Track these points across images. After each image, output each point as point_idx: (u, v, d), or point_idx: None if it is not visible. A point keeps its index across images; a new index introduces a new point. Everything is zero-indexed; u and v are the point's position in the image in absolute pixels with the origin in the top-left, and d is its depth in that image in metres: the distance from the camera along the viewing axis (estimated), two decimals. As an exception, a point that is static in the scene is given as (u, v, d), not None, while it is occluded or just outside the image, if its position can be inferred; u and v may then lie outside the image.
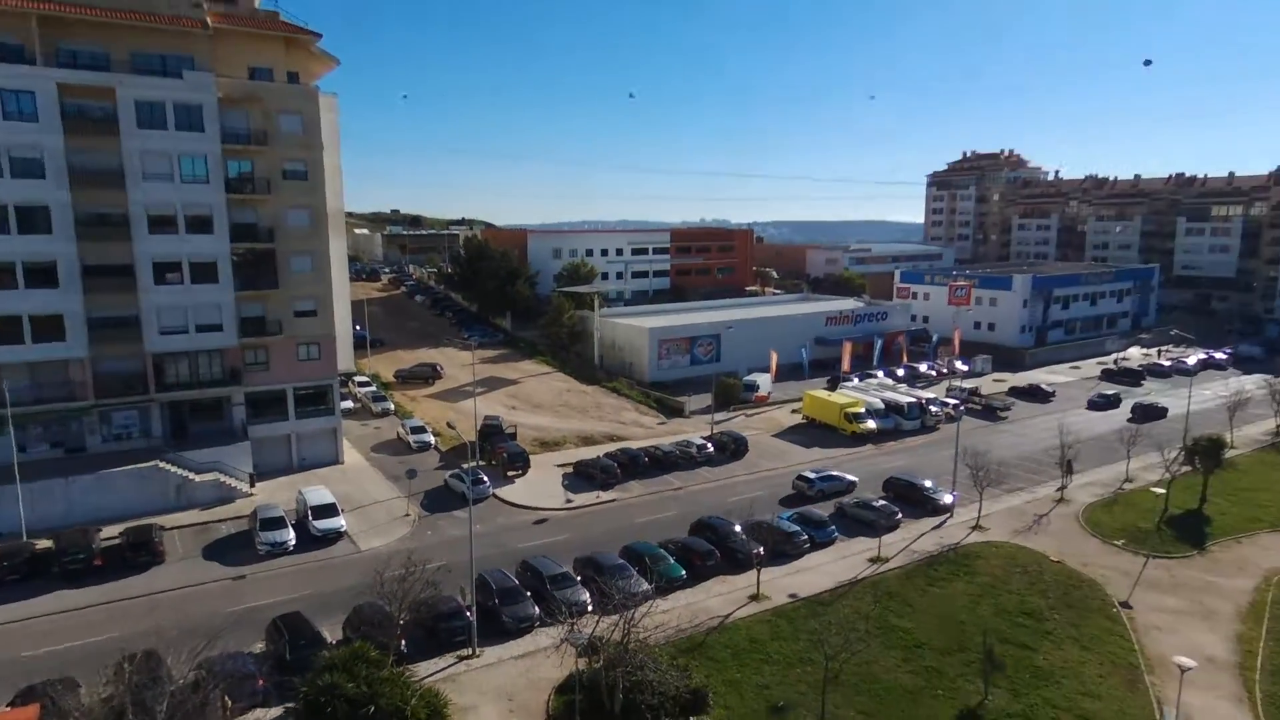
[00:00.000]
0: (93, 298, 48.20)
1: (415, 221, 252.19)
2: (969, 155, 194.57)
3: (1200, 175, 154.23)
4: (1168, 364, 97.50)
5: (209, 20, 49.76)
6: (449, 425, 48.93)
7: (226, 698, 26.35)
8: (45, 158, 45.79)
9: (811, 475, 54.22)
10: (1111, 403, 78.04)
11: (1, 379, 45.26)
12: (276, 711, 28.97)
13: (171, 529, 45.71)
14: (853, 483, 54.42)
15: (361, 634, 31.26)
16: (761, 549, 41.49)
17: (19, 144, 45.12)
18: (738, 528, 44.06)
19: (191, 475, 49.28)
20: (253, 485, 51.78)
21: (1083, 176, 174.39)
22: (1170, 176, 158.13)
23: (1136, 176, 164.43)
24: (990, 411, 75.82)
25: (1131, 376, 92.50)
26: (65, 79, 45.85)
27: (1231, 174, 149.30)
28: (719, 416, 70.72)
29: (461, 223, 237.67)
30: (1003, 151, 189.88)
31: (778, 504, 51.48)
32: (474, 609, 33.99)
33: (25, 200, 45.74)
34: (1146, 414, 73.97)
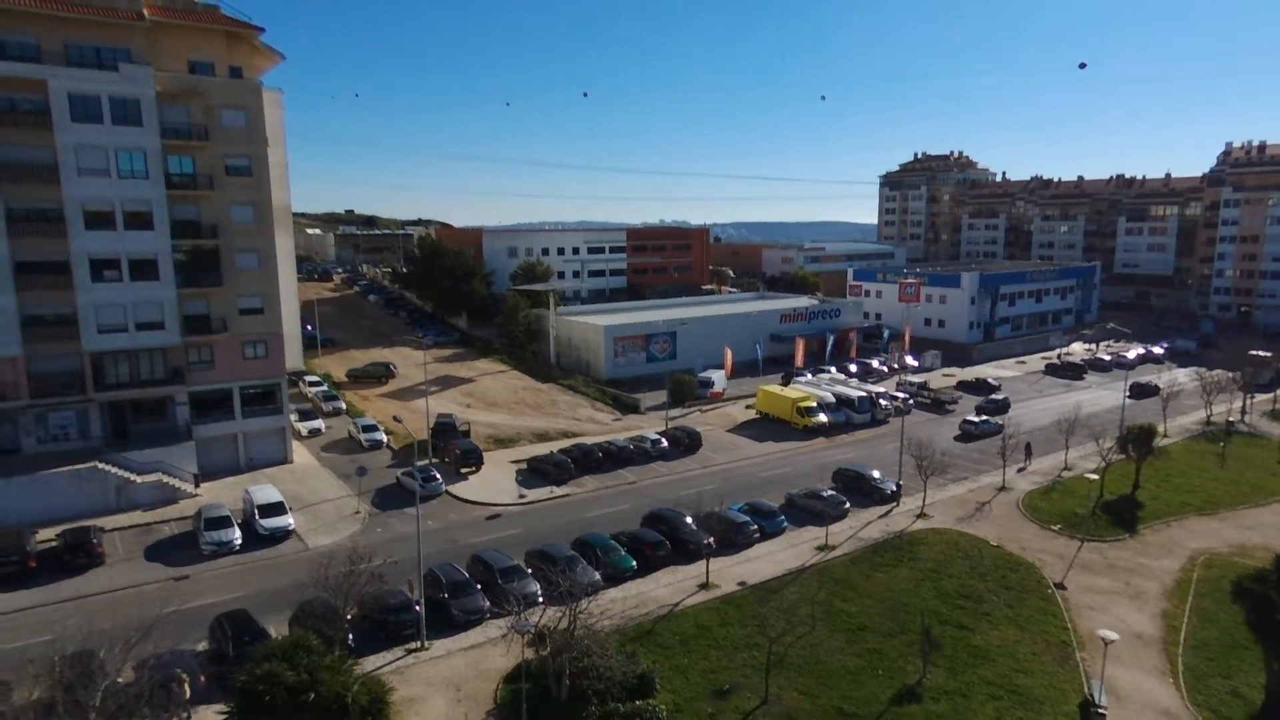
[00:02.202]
0: (26, 295, 46.89)
1: (370, 222, 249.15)
2: (920, 156, 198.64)
3: (1139, 176, 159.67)
4: (1108, 358, 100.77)
5: (145, 12, 48.73)
6: (395, 419, 48.79)
7: (185, 684, 25.89)
8: (-27, 151, 44.45)
9: (975, 420, 68.02)
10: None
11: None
12: (219, 708, 28.53)
13: (112, 530, 44.70)
14: (1001, 425, 65.67)
15: (308, 629, 31.06)
16: (712, 539, 42.04)
17: (-54, 136, 43.76)
18: (689, 519, 44.61)
19: (133, 476, 48.17)
20: (197, 486, 50.82)
21: (1029, 177, 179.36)
22: (1111, 177, 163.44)
23: (1079, 178, 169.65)
24: (938, 405, 77.56)
25: (1074, 370, 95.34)
26: (-6, 70, 44.56)
27: (1168, 175, 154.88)
28: (674, 412, 71.28)
29: (418, 223, 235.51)
30: (952, 153, 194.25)
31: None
32: (422, 602, 33.89)
33: (-47, 195, 44.36)
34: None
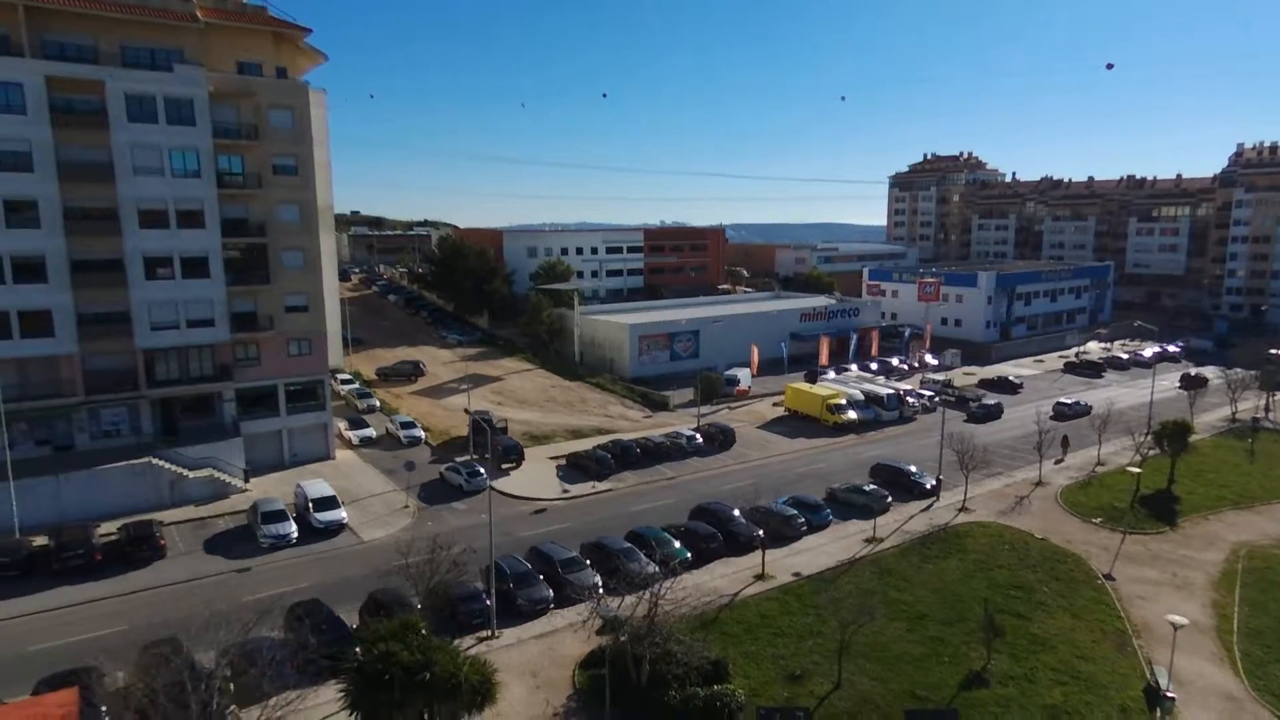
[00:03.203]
0: (82, 293, 47.59)
1: (377, 223, 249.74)
2: (929, 157, 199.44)
3: (1150, 177, 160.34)
4: (1126, 357, 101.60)
5: (198, 14, 49.44)
6: (466, 412, 49.41)
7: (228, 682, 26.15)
8: (33, 151, 45.14)
9: (1068, 401, 74.35)
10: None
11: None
12: (336, 685, 28.75)
13: (170, 524, 45.34)
14: (1089, 406, 72.48)
15: (380, 618, 31.76)
16: (761, 532, 42.75)
17: (7, 137, 44.48)
18: (736, 512, 45.36)
19: (185, 472, 48.82)
20: (247, 481, 51.46)
21: (1039, 178, 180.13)
22: (1122, 178, 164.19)
23: (1090, 178, 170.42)
24: (963, 402, 78.17)
25: (1093, 369, 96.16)
26: (54, 71, 45.24)
27: (1179, 176, 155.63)
28: (703, 410, 71.93)
29: (424, 224, 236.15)
30: (962, 154, 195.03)
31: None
32: (493, 592, 34.54)
33: (13, 194, 45.08)
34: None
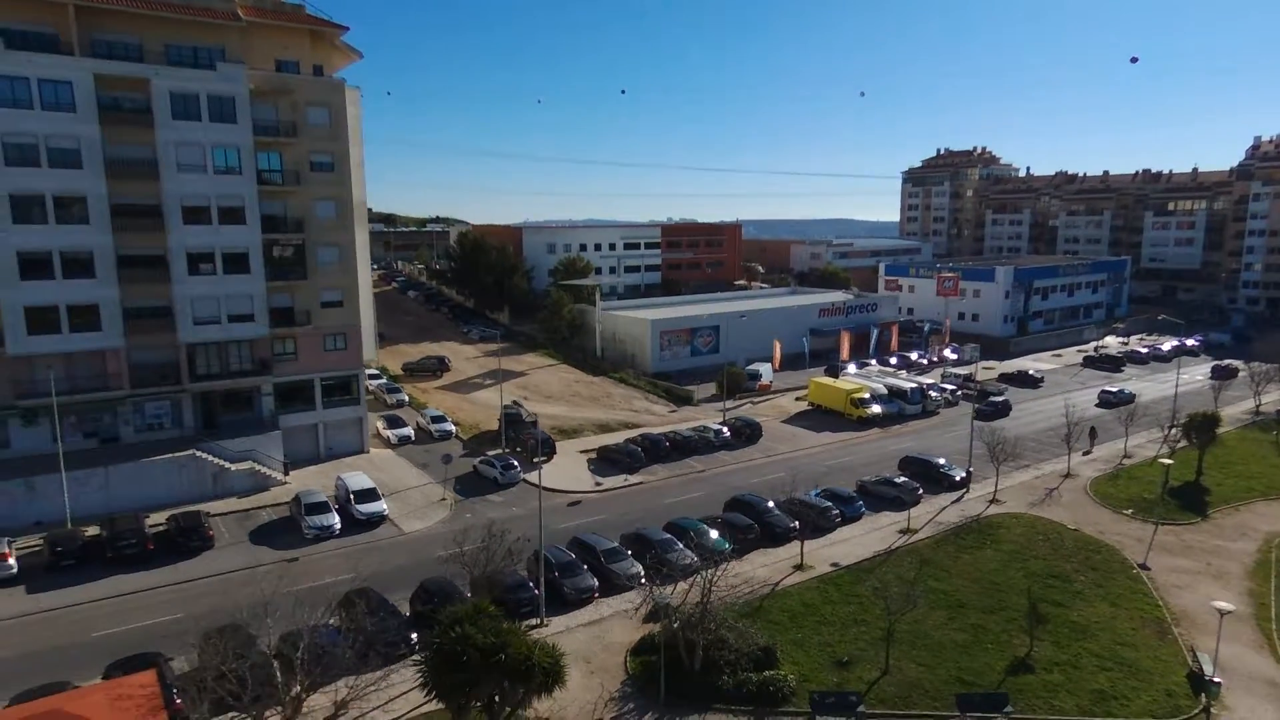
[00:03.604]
0: (128, 288, 48.47)
1: (389, 220, 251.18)
2: (943, 152, 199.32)
3: (1166, 171, 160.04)
4: (1144, 351, 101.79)
5: (240, 12, 50.18)
6: (515, 403, 50.08)
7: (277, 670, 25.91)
8: (82, 148, 45.98)
9: (1113, 390, 76.57)
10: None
11: (44, 368, 45.48)
12: (385, 671, 29.36)
13: (215, 515, 46.20)
14: (1134, 394, 74.01)
15: (430, 607, 32.57)
16: (797, 523, 43.36)
17: (57, 134, 45.29)
18: (771, 504, 46.00)
19: (227, 464, 49.71)
20: (286, 474, 52.32)
21: (1053, 173, 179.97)
22: (1137, 172, 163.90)
23: (1105, 173, 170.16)
24: (985, 396, 78.56)
25: (1112, 363, 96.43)
26: (102, 70, 46.04)
27: (1195, 169, 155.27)
28: (727, 404, 72.51)
29: (436, 220, 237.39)
30: (976, 149, 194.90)
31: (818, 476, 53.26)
32: (542, 581, 35.24)
33: (63, 190, 45.93)
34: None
